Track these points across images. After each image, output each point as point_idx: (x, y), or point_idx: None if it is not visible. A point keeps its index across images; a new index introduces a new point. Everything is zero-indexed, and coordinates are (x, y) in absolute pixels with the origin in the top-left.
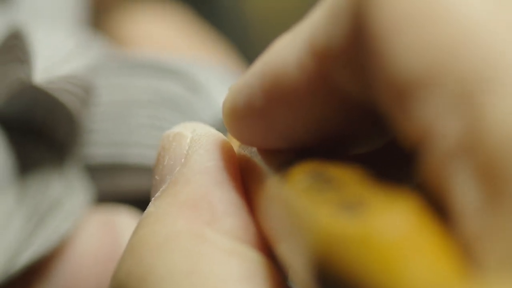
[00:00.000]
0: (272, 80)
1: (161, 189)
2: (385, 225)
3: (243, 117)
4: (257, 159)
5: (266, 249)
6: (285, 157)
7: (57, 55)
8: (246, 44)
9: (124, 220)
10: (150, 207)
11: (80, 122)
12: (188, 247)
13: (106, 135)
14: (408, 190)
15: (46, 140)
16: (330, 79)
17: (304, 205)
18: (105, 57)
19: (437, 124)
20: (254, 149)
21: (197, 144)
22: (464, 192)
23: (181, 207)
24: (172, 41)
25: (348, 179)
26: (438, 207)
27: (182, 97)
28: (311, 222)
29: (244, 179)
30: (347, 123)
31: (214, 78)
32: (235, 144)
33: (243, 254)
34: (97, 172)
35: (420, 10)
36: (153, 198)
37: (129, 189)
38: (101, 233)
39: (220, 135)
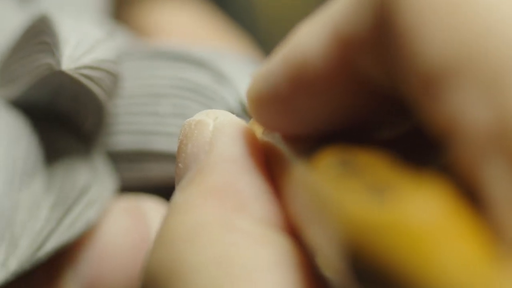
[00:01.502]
0: (295, 67)
1: (186, 178)
2: (416, 211)
3: (267, 104)
4: (281, 145)
5: (295, 234)
6: (309, 143)
7: (84, 43)
8: (256, 37)
9: (150, 208)
10: (177, 196)
11: (107, 110)
12: (217, 236)
13: (131, 124)
14: (435, 175)
15: (73, 128)
16: (354, 66)
17: (332, 192)
18: (129, 46)
19: (467, 113)
20: (278, 135)
21: (220, 131)
22: (496, 181)
23: (208, 195)
24: (194, 31)
25: (375, 164)
26: (467, 192)
27: (207, 85)
28: (341, 209)
29: (269, 165)
30: (370, 109)
31: (237, 66)
32: (258, 131)
33: (272, 241)
34: (122, 159)
35: (446, 1)
36: (178, 187)
37: (154, 176)
38: (128, 221)
39: (242, 122)
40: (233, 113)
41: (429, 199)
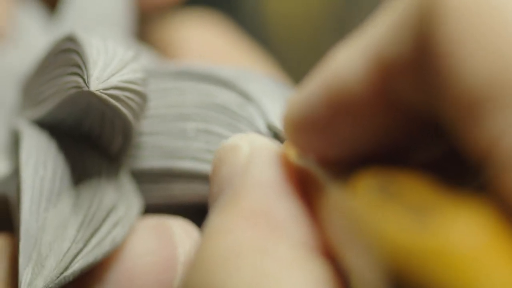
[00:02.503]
0: (334, 92)
1: (221, 201)
2: (459, 236)
3: (304, 128)
4: (317, 169)
5: (331, 258)
6: (345, 166)
7: (112, 63)
8: (266, 48)
9: (177, 227)
10: (212, 220)
11: (134, 130)
12: (253, 260)
13: (157, 145)
14: (474, 197)
15: (100, 148)
16: (393, 90)
17: (373, 217)
18: (155, 66)
19: (508, 136)
20: (312, 158)
21: (255, 155)
22: None
23: (243, 219)
24: (217, 48)
25: (413, 187)
26: (508, 214)
27: (233, 106)
28: (383, 235)
29: (304, 189)
30: (406, 133)
31: (263, 87)
32: (292, 153)
33: (308, 264)
34: (146, 179)
35: (487, 25)
36: (213, 210)
37: (179, 196)
38: (155, 240)
39: (276, 145)
40: (261, 134)
41: (471, 222)
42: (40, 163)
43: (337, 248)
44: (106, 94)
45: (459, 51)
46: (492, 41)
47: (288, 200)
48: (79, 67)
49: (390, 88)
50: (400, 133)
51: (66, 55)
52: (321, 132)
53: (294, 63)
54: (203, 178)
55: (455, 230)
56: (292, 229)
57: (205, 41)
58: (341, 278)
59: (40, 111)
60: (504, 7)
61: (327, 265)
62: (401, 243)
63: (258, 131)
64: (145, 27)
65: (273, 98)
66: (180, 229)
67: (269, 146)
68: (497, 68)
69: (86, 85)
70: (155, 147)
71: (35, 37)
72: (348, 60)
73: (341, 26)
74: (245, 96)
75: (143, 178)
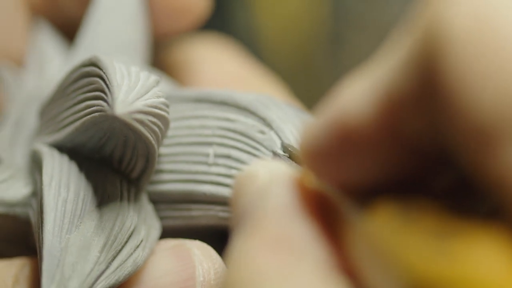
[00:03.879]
0: (343, 126)
1: (242, 229)
2: (481, 263)
3: (319, 158)
4: (335, 195)
5: (352, 278)
6: (363, 192)
7: (136, 88)
8: (259, 62)
9: (197, 248)
10: (236, 248)
11: (156, 154)
12: (276, 285)
13: (177, 170)
14: (490, 224)
15: (121, 171)
16: (401, 126)
17: (395, 243)
18: (174, 91)
19: None
20: (331, 184)
21: (274, 183)
22: None
23: (266, 246)
24: (235, 74)
25: (431, 214)
26: None
27: (252, 132)
28: (406, 261)
29: (322, 213)
30: (415, 163)
31: (283, 114)
32: (309, 178)
33: (330, 286)
34: (166, 202)
35: (491, 57)
36: (235, 237)
37: (197, 220)
38: (175, 262)
39: (295, 171)
40: (280, 159)
41: (491, 249)
42: (62, 185)
43: (360, 272)
44: (131, 118)
45: (466, 85)
46: (498, 73)
47: (307, 225)
48: (103, 91)
49: (398, 124)
50: (409, 163)
51: (88, 79)
52: (335, 162)
53: (286, 76)
54: (222, 202)
55: (477, 257)
56: (313, 252)
57: (221, 66)
58: None
59: (61, 135)
60: (506, 38)
61: (349, 285)
62: (425, 270)
63: (276, 156)
64: (158, 52)
65: (292, 124)
66: (198, 250)
67: (288, 173)
68: (505, 99)
69: (111, 108)
70: (175, 171)
71: (56, 65)
72: (356, 96)
73: (331, 40)
74: (264, 122)
75: (163, 201)
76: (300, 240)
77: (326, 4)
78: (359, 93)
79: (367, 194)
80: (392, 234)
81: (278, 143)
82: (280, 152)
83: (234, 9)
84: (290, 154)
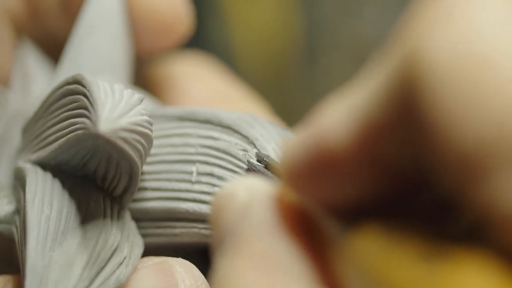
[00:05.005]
0: (321, 150)
1: (225, 248)
2: (471, 284)
3: (298, 177)
4: (316, 212)
5: None
6: (345, 212)
7: (120, 106)
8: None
9: (179, 265)
10: (220, 268)
11: (139, 172)
12: None
13: (160, 188)
14: (477, 248)
15: (104, 188)
16: (380, 151)
17: (380, 265)
18: (157, 109)
19: (506, 195)
20: (312, 202)
21: (254, 200)
22: None
23: (251, 264)
24: (218, 92)
25: (416, 237)
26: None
27: (237, 151)
28: (391, 284)
29: (305, 231)
30: (394, 186)
31: (266, 132)
32: (289, 193)
33: None
34: (149, 220)
35: (471, 84)
36: (219, 257)
37: (181, 237)
38: (157, 279)
39: (274, 188)
40: (255, 169)
41: (477, 272)
42: (46, 202)
43: None
44: (115, 136)
45: (447, 115)
46: (479, 102)
47: (291, 242)
48: (86, 108)
49: (377, 148)
50: (389, 184)
51: (72, 97)
52: (315, 182)
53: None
54: (205, 219)
55: (464, 280)
56: (299, 269)
57: (204, 83)
58: None
59: (44, 153)
60: (488, 66)
61: None
62: None
63: (252, 166)
64: (141, 70)
65: (275, 143)
66: (181, 267)
67: (266, 189)
68: (488, 128)
69: (94, 126)
70: (158, 189)
71: (41, 83)
72: (335, 119)
73: (305, 54)
74: (247, 140)
75: (146, 218)
76: (285, 256)
77: (300, 19)
78: (337, 116)
79: (351, 213)
80: (377, 255)
81: (259, 161)
82: (255, 162)
83: (208, 24)
84: (266, 164)
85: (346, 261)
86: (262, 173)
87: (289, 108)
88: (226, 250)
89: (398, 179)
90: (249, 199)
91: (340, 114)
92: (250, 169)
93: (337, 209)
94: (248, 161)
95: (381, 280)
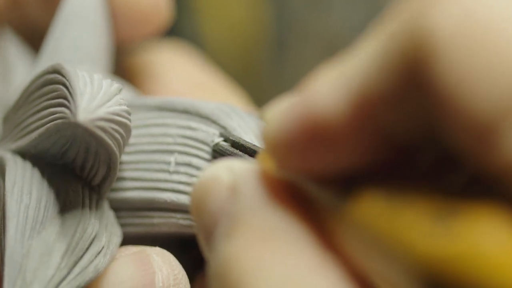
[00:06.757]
0: (312, 122)
1: (222, 231)
2: (486, 237)
3: (284, 150)
4: (304, 184)
5: (342, 271)
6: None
7: (99, 95)
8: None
9: (156, 255)
10: (224, 248)
11: (117, 162)
12: (275, 271)
13: (138, 178)
14: (487, 202)
15: (83, 178)
16: (376, 121)
17: (388, 228)
18: (136, 99)
19: None
20: (295, 173)
21: (240, 180)
22: None
23: (252, 240)
24: (197, 81)
25: (422, 196)
26: None
27: (212, 140)
28: (408, 243)
29: (295, 203)
30: (389, 151)
31: (245, 123)
32: (270, 166)
33: (326, 267)
34: (128, 210)
35: (482, 50)
36: (217, 240)
37: (160, 227)
38: (135, 267)
39: (257, 166)
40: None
41: (491, 224)
42: (25, 192)
43: (356, 259)
44: (93, 125)
45: (459, 82)
46: (491, 67)
47: (286, 213)
48: (65, 98)
49: (373, 117)
50: (383, 150)
51: (52, 87)
52: (304, 153)
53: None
54: (183, 209)
55: (480, 232)
56: (301, 236)
57: (183, 73)
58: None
59: (24, 142)
60: (497, 32)
61: (341, 271)
62: (430, 249)
63: (217, 146)
64: (120, 59)
65: (253, 133)
66: (158, 256)
67: (248, 167)
68: (501, 91)
69: (73, 116)
70: (136, 178)
71: (21, 73)
72: (326, 90)
73: (275, 47)
74: (225, 131)
75: (124, 208)
76: (284, 226)
77: (270, 12)
78: (328, 87)
79: (342, 182)
80: (384, 218)
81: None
82: (221, 141)
83: (179, 17)
84: (232, 143)
85: (348, 228)
86: (231, 153)
87: (259, 102)
88: (223, 233)
89: (393, 145)
90: (234, 180)
91: (331, 84)
92: (217, 150)
93: (326, 179)
94: (212, 141)
95: (391, 242)
